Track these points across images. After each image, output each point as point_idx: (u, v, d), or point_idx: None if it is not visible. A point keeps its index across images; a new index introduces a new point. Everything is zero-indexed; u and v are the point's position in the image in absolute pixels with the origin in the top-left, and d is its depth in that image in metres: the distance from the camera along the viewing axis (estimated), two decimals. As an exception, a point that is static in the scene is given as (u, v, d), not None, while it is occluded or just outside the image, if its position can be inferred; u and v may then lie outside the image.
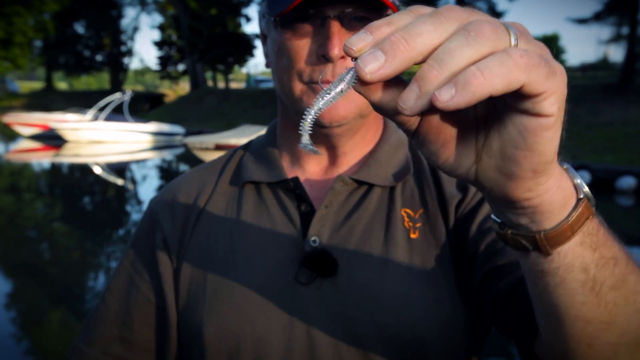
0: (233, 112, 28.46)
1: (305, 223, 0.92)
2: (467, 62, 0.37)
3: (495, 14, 27.71)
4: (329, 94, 0.42)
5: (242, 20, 38.71)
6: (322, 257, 0.87)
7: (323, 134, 0.92)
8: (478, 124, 0.45)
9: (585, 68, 35.66)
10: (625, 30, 21.90)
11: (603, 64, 35.98)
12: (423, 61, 0.39)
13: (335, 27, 0.83)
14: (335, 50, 0.82)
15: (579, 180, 0.50)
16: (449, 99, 0.37)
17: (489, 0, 28.02)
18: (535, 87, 0.38)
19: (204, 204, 1.00)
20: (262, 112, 26.46)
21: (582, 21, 23.05)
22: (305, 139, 0.45)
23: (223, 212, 0.98)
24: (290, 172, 0.98)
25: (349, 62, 0.85)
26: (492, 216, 0.54)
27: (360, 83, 0.41)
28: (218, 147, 14.94)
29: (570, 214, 0.48)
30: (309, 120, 0.44)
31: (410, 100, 0.38)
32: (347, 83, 0.42)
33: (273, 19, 0.88)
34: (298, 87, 0.88)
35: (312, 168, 0.98)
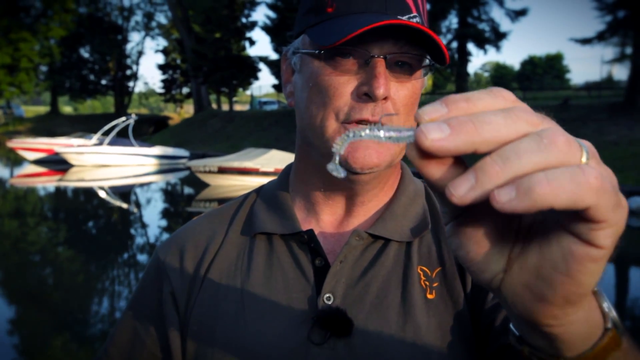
0: (237, 134, 28.62)
1: (319, 278, 0.87)
2: (533, 168, 0.34)
3: (499, 34, 27.89)
4: (379, 130, 0.40)
5: (246, 44, 39.12)
6: (336, 316, 0.82)
7: (347, 180, 0.87)
8: (520, 231, 0.42)
9: (589, 87, 35.79)
10: (629, 49, 21.95)
11: (607, 83, 36.03)
12: (486, 153, 0.36)
13: (382, 66, 0.80)
14: (381, 90, 0.78)
15: (606, 305, 0.46)
16: (506, 200, 0.34)
17: (492, 20, 28.24)
18: (599, 214, 0.35)
19: (214, 255, 0.95)
20: (266, 134, 26.58)
21: (585, 41, 23.17)
22: (336, 159, 0.43)
23: (233, 264, 0.93)
24: (304, 223, 0.93)
25: (388, 106, 0.81)
26: (511, 327, 0.50)
27: (417, 150, 0.37)
28: (221, 171, 14.95)
29: (595, 345, 0.45)
30: (346, 139, 0.42)
31: (462, 188, 0.35)
32: (401, 135, 0.39)
33: (317, 52, 0.84)
34: (332, 126, 0.83)
35: (327, 217, 0.94)
